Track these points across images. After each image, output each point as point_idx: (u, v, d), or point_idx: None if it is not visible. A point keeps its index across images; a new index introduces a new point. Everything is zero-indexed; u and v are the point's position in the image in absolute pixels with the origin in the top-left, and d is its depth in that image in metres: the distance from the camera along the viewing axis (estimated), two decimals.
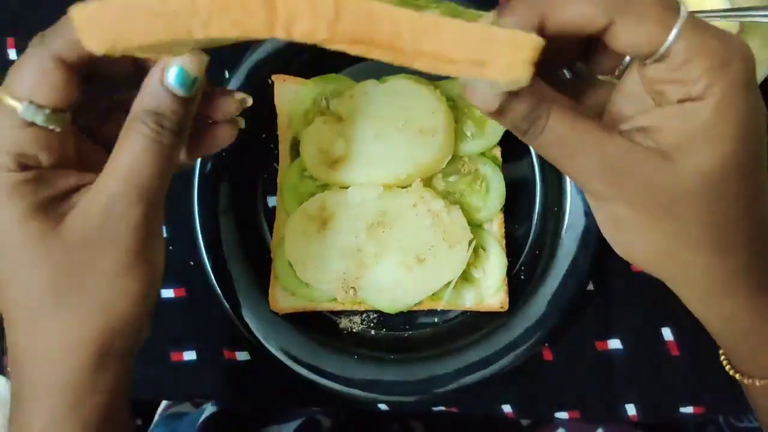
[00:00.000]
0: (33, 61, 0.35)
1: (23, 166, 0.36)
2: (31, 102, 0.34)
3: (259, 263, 0.58)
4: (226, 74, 0.62)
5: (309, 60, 0.58)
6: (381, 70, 0.58)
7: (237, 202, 0.59)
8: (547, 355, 0.60)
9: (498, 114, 0.32)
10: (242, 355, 0.61)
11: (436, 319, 0.59)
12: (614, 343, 0.60)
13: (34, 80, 0.34)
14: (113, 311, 0.37)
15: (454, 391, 0.57)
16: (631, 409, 0.59)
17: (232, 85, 0.58)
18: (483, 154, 0.58)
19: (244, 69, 0.58)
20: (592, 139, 0.33)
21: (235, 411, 0.66)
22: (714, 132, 0.31)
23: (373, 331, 0.59)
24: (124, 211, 0.36)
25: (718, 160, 0.31)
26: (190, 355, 0.61)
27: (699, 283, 0.36)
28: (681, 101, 0.32)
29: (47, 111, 0.35)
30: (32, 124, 0.35)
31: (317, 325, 0.57)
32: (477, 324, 0.57)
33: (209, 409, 0.66)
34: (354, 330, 0.59)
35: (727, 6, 0.56)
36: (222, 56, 0.61)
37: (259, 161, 0.60)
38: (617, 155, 0.33)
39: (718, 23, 0.56)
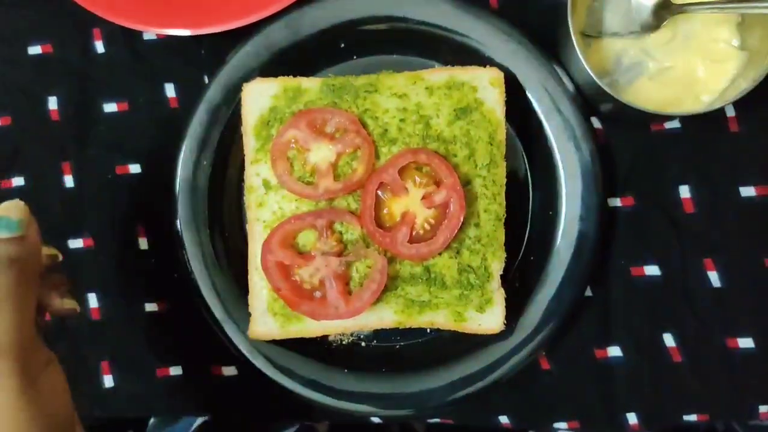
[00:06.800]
0: None
1: None
2: None
3: (244, 276, 0.55)
4: (206, 79, 0.60)
5: (287, 68, 0.56)
6: (363, 69, 0.56)
7: (220, 213, 0.57)
8: (545, 365, 0.58)
9: None
10: (229, 370, 0.59)
11: (428, 330, 0.56)
12: (614, 351, 0.58)
13: None
14: None
15: (448, 404, 0.55)
16: (632, 418, 0.57)
17: (212, 90, 0.56)
18: None
19: (223, 74, 0.56)
20: None
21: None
22: None
23: (363, 343, 0.57)
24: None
25: None
26: (176, 371, 0.59)
27: None
28: None
29: None
30: None
31: (305, 338, 0.55)
32: (470, 334, 0.54)
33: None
34: (344, 342, 0.57)
35: None
36: (202, 62, 0.60)
37: (242, 170, 0.57)
38: None
39: (718, 15, 0.54)
